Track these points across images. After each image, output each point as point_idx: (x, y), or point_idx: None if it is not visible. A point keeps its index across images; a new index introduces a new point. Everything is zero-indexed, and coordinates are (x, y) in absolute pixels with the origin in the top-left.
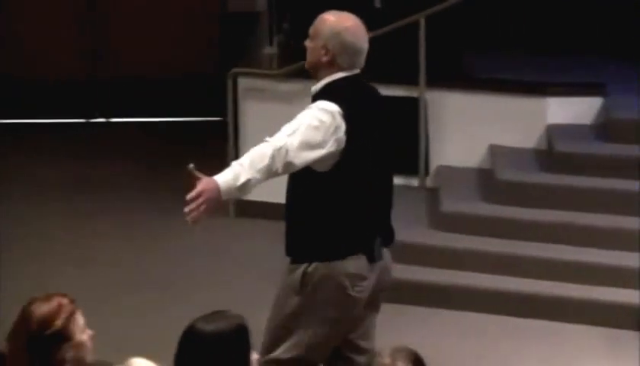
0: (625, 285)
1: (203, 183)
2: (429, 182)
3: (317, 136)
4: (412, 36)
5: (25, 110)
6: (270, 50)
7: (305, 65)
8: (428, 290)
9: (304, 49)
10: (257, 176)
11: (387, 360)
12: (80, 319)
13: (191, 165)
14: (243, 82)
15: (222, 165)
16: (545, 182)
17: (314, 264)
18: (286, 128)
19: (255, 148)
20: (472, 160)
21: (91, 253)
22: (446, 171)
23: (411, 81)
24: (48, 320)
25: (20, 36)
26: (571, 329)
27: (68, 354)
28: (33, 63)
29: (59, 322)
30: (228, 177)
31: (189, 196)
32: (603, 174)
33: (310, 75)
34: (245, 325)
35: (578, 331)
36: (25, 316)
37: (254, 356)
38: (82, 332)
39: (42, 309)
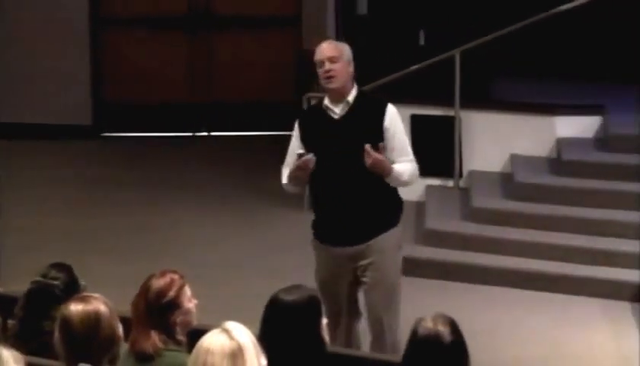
0: (620, 265)
1: (376, 155)
2: (462, 183)
3: None
4: (450, 67)
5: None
6: None
7: (335, 85)
8: (461, 268)
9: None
10: (407, 179)
11: (430, 323)
12: (188, 291)
13: (301, 151)
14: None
15: None
16: (555, 184)
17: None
18: (408, 146)
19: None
20: (496, 166)
21: (187, 240)
22: (476, 174)
23: (448, 103)
24: (163, 291)
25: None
26: (575, 300)
27: (179, 318)
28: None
29: (172, 293)
30: (398, 169)
31: (374, 153)
32: (603, 177)
33: (332, 92)
34: (317, 296)
35: (581, 301)
36: (145, 288)
37: (324, 321)
38: (190, 301)
39: (158, 282)
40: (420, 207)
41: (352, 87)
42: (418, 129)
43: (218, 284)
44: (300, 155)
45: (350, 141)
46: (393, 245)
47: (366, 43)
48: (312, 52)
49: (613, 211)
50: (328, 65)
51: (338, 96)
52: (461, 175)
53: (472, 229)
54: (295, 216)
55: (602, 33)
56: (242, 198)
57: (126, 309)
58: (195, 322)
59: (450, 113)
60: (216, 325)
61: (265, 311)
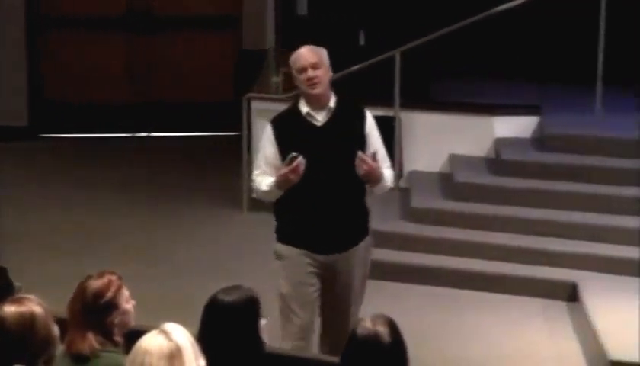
0: (558, 265)
1: (372, 163)
2: (402, 183)
3: None
4: (390, 67)
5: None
6: (276, 79)
7: (320, 90)
8: (400, 268)
9: (300, 81)
10: (390, 185)
11: (369, 324)
12: (125, 292)
13: (294, 154)
14: (255, 104)
15: (238, 164)
16: (493, 184)
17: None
18: (384, 150)
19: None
20: (435, 166)
21: (128, 240)
22: (416, 174)
23: (388, 103)
24: (101, 292)
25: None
26: (514, 300)
27: (117, 319)
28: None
29: (109, 294)
30: (385, 176)
31: (369, 161)
32: (539, 177)
33: (313, 99)
34: (256, 296)
35: (520, 301)
36: (82, 289)
37: (263, 322)
38: (127, 302)
39: (96, 283)
40: None
41: (331, 93)
42: None
43: (157, 285)
44: (292, 159)
45: (334, 148)
46: (367, 254)
47: (306, 44)
48: (253, 53)
49: (551, 211)
50: (311, 72)
51: (320, 102)
52: (401, 175)
53: (411, 229)
54: (235, 216)
55: (539, 33)
56: (182, 199)
57: (63, 309)
58: (133, 323)
59: (390, 113)
60: (155, 326)
61: (204, 312)
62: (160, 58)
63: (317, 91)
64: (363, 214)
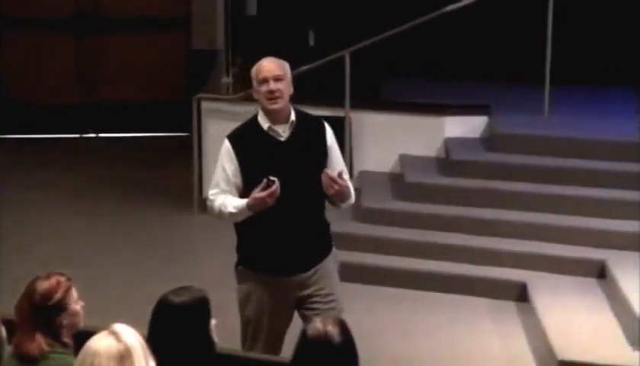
0: (508, 265)
1: (342, 182)
2: (352, 184)
3: None
4: (340, 68)
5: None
6: (226, 80)
7: (281, 105)
8: (351, 269)
9: (260, 93)
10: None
11: (319, 324)
12: (74, 293)
13: (272, 178)
14: (205, 105)
15: (189, 165)
16: (444, 184)
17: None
18: (343, 163)
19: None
20: (386, 166)
21: (77, 242)
22: (366, 175)
23: (339, 104)
24: (49, 293)
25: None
26: (465, 300)
27: (65, 320)
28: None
29: (58, 295)
30: (351, 190)
31: (339, 181)
32: (489, 177)
33: (274, 113)
34: (206, 297)
35: (470, 301)
36: (30, 290)
37: (213, 322)
38: (76, 303)
39: (44, 284)
40: None
41: (290, 106)
42: None
43: (107, 286)
44: (269, 182)
45: (300, 163)
46: (335, 266)
47: (256, 44)
48: (203, 53)
49: (501, 211)
50: (273, 85)
51: (281, 117)
52: (351, 176)
53: (362, 229)
54: (184, 217)
55: (489, 33)
56: (130, 200)
57: (11, 311)
58: (82, 324)
59: (340, 114)
60: (104, 327)
61: (153, 313)
62: (109, 59)
63: (278, 106)
64: (326, 228)
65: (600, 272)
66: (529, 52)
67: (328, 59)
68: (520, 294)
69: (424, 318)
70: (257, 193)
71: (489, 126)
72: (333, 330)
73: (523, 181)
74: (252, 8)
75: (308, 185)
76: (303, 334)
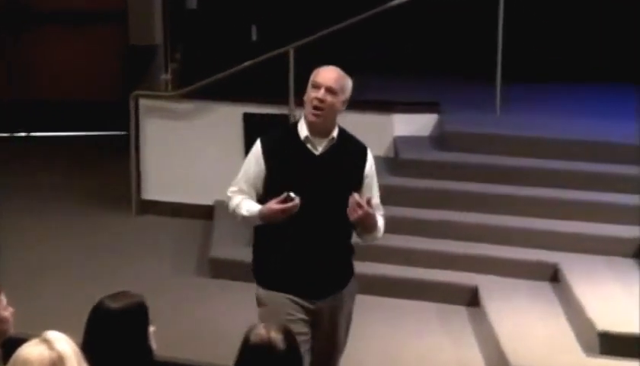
0: (457, 268)
1: (368, 209)
2: None
3: None
4: (284, 63)
5: None
6: (165, 76)
7: (320, 120)
8: None
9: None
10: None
11: (262, 330)
12: (3, 299)
13: (292, 195)
14: (143, 102)
15: (126, 165)
16: (392, 184)
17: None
18: (378, 197)
19: (382, 221)
20: None
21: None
22: None
23: (282, 101)
24: None
25: None
26: (413, 305)
27: None
28: None
29: None
30: (379, 226)
31: (365, 206)
32: (439, 176)
33: (314, 125)
34: (144, 302)
35: (419, 306)
36: None
37: (151, 328)
38: (5, 310)
39: None
40: None
41: (336, 123)
42: (251, 128)
43: (38, 291)
44: (288, 197)
45: (330, 182)
46: (354, 300)
47: (196, 39)
48: (141, 48)
49: (452, 212)
50: (322, 94)
51: (322, 130)
52: None
53: None
54: (121, 219)
55: (438, 29)
56: (64, 201)
57: None
58: (12, 331)
59: (284, 111)
60: (36, 334)
61: (89, 319)
62: (41, 55)
63: (314, 119)
64: (350, 255)
65: (553, 276)
66: (480, 49)
67: (271, 54)
68: (471, 299)
69: (371, 323)
70: (273, 204)
71: (439, 124)
72: (276, 336)
73: (474, 181)
74: (192, 2)
75: (334, 207)
76: (245, 340)
